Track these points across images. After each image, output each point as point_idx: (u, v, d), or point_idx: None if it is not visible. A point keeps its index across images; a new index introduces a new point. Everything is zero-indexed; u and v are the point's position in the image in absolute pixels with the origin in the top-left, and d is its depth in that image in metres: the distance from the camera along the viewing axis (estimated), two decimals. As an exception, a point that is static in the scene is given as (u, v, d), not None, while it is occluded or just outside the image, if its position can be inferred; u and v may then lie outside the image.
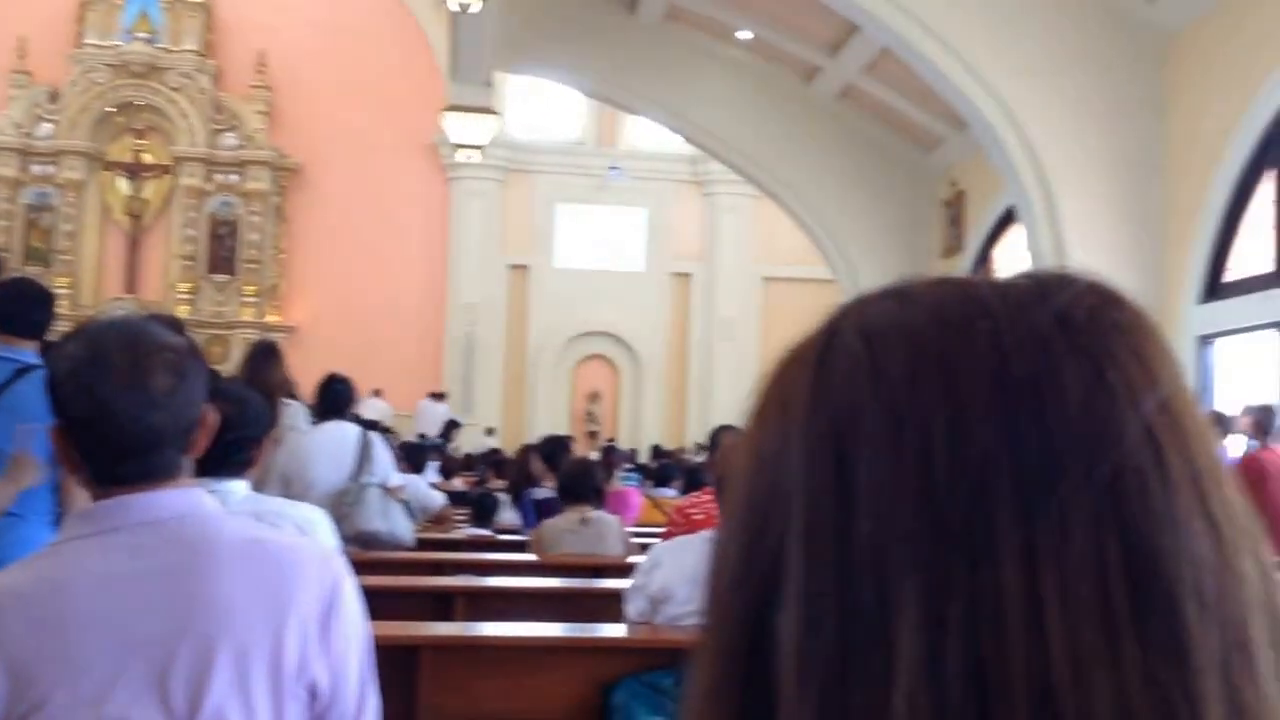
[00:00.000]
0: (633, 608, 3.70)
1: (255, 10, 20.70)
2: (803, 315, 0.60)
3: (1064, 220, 10.33)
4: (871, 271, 13.33)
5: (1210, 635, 0.47)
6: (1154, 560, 0.47)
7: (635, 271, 22.24)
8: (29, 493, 3.21)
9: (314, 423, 5.18)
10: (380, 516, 4.92)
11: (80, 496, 2.22)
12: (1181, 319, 10.18)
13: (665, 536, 4.60)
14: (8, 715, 1.46)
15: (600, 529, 5.22)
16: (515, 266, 21.90)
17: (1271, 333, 9.32)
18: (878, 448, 0.50)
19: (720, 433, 5.20)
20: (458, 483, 10.89)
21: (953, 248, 13.84)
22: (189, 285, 20.24)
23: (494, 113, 15.23)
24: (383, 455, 5.18)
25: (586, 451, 12.78)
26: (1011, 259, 12.76)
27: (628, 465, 12.44)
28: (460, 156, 16.32)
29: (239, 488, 2.46)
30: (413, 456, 9.01)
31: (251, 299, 20.52)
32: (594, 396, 21.83)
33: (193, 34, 20.54)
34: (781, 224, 16.66)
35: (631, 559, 4.87)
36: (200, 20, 20.64)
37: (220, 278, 20.53)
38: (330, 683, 1.59)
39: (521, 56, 14.43)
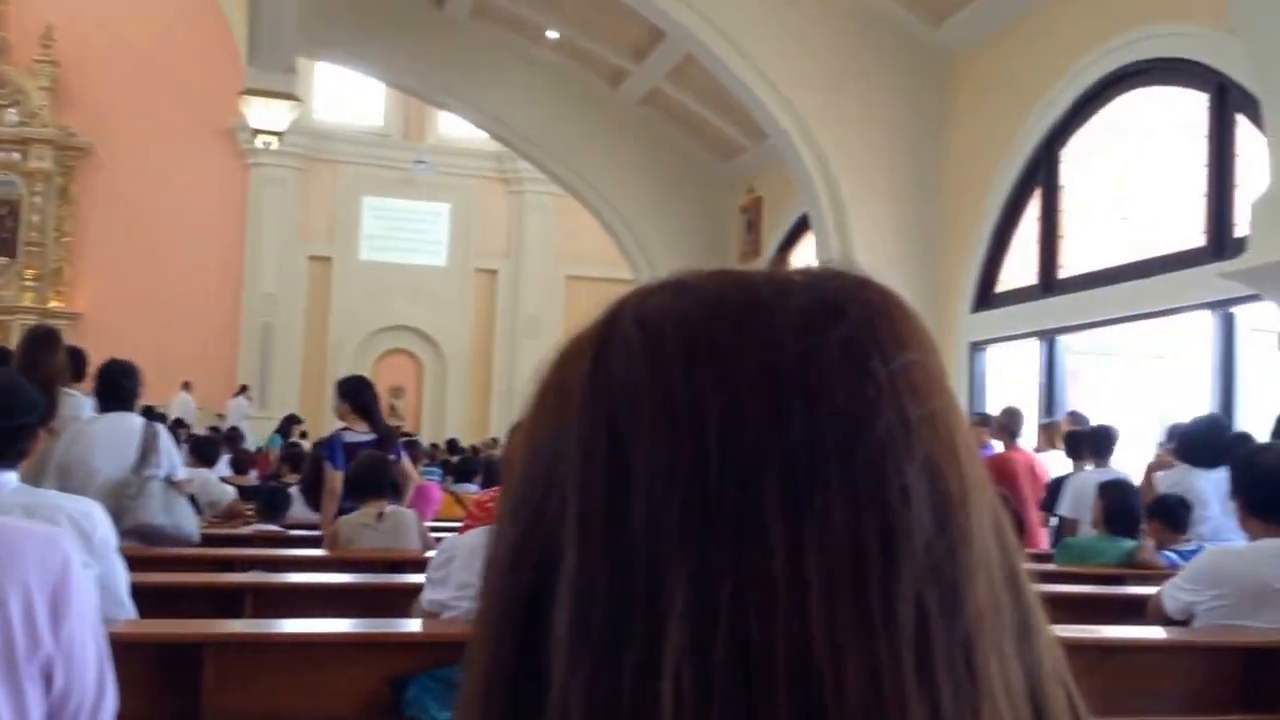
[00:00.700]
0: (426, 601, 3.72)
1: (42, -20, 19.63)
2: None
3: (852, 230, 10.81)
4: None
5: (949, 613, 0.48)
6: (904, 544, 0.48)
7: (440, 266, 22.05)
8: None
9: (99, 413, 5.00)
10: (163, 510, 4.78)
11: None
12: (956, 327, 10.79)
13: (463, 530, 4.64)
14: None
15: (397, 524, 5.21)
16: (317, 258, 21.40)
17: (1034, 341, 9.99)
18: (653, 435, 0.50)
19: (517, 428, 5.24)
20: (253, 476, 10.61)
21: (749, 252, 14.26)
22: (-37, 267, 19.10)
23: (295, 99, 14.85)
24: (168, 447, 5.04)
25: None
26: (805, 265, 13.21)
27: (428, 461, 12.36)
28: (259, 143, 15.87)
29: (10, 479, 2.39)
30: (203, 450, 8.75)
31: (32, 283, 19.44)
32: (397, 391, 21.52)
33: (-27, 3, 19.36)
34: (586, 224, 16.81)
35: (430, 554, 4.89)
36: (-20, -12, 19.47)
37: (-1, 260, 19.48)
38: (65, 667, 1.58)
39: (325, 44, 14.13)
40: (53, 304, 19.37)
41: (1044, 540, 7.16)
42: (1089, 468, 6.89)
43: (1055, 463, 7.65)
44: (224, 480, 9.15)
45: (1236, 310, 7.73)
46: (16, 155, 19.53)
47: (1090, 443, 7.13)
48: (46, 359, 4.45)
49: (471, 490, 8.35)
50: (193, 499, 5.37)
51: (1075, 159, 9.74)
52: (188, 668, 3.12)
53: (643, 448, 0.50)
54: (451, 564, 3.64)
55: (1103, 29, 8.92)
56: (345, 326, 21.28)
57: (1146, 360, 9.75)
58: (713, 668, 0.47)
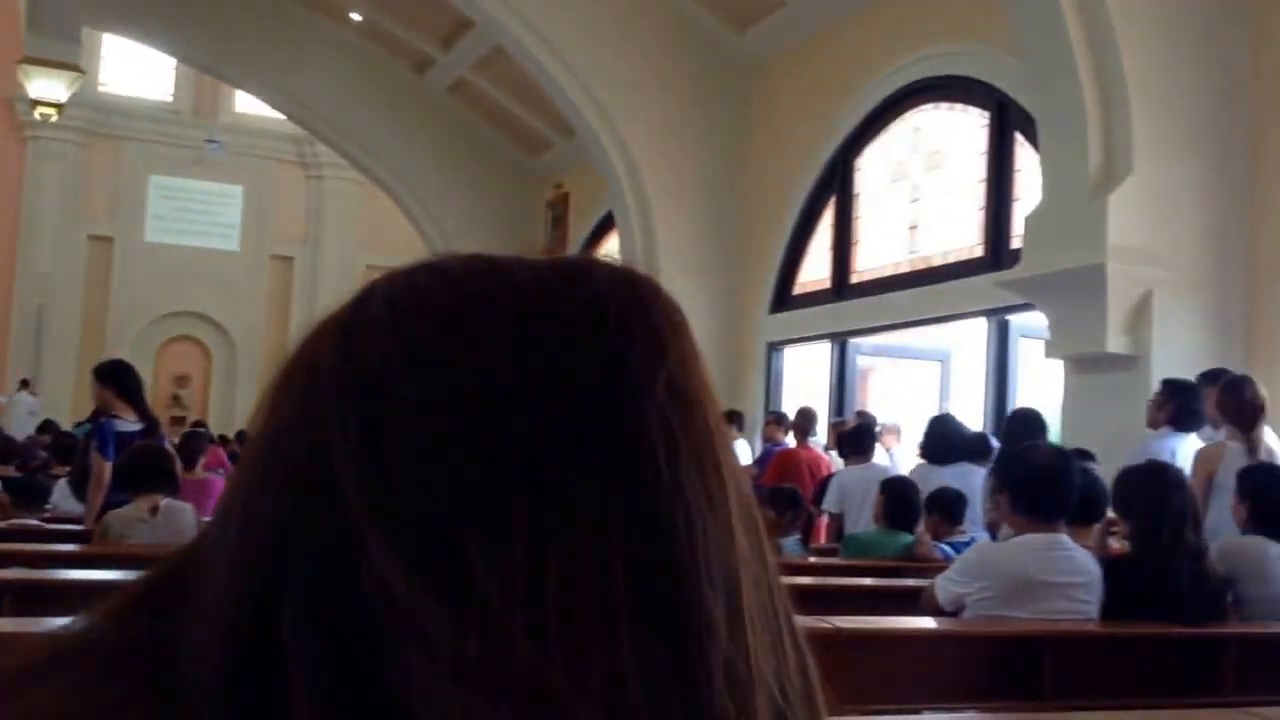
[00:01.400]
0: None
1: None
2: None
3: (657, 230, 10.94)
4: (476, 266, 13.46)
5: (707, 607, 0.48)
6: (657, 535, 0.47)
7: (232, 251, 21.23)
8: None
9: None
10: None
11: None
12: (756, 327, 11.07)
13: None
14: None
15: (172, 518, 4.97)
16: (97, 237, 20.29)
17: (826, 343, 10.32)
18: (400, 419, 0.48)
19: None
20: (12, 467, 9.94)
21: (555, 248, 14.17)
22: None
23: (78, 69, 14.02)
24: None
25: (172, 437, 12.04)
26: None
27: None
28: (38, 114, 14.92)
29: None
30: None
31: None
32: (182, 380, 20.64)
33: None
34: (389, 212, 16.49)
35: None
36: None
37: None
38: None
39: (112, 14, 13.41)
40: None
41: (824, 535, 7.39)
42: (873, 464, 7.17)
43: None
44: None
45: (1011, 317, 8.16)
46: None
47: (851, 441, 7.44)
48: None
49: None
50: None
51: (869, 168, 10.11)
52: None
53: (392, 426, 0.48)
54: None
55: (898, 45, 9.29)
56: (127, 311, 20.26)
57: (931, 363, 10.18)
58: (464, 657, 0.45)
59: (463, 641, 0.45)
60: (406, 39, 13.62)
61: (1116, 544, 4.30)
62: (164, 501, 4.95)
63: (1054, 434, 7.02)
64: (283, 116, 16.02)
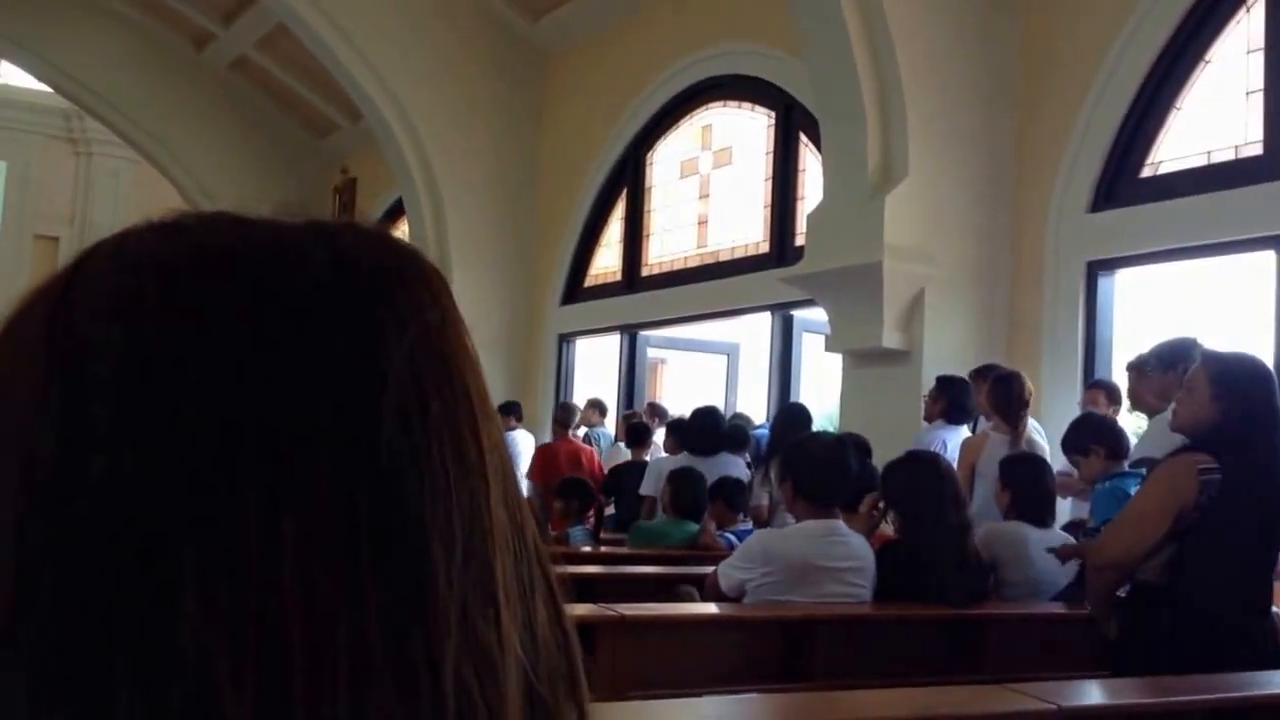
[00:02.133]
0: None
1: None
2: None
3: (448, 217, 10.79)
4: (259, 252, 12.97)
5: (455, 579, 0.46)
6: (405, 504, 0.46)
7: (-10, 230, 19.83)
8: None
9: None
10: None
11: None
12: (547, 319, 11.05)
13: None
14: None
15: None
16: None
17: (617, 335, 10.39)
18: (120, 385, 0.45)
19: None
20: None
21: (343, 234, 13.87)
22: None
23: None
24: None
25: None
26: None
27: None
28: None
29: None
30: None
31: None
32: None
33: None
34: (165, 193, 15.69)
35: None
36: None
37: None
38: None
39: None
40: None
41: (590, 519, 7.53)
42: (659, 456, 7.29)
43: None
44: None
45: (795, 312, 8.41)
46: None
47: (633, 434, 7.69)
48: None
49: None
50: None
51: (661, 163, 10.22)
52: None
53: (108, 397, 0.45)
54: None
55: (689, 41, 9.42)
56: None
57: (719, 355, 10.38)
58: (179, 630, 0.42)
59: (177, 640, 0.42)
60: (184, 13, 12.99)
61: (887, 529, 4.48)
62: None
63: (831, 425, 7.29)
64: (50, 89, 15.05)
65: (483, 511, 0.48)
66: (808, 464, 3.90)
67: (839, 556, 3.78)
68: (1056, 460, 5.13)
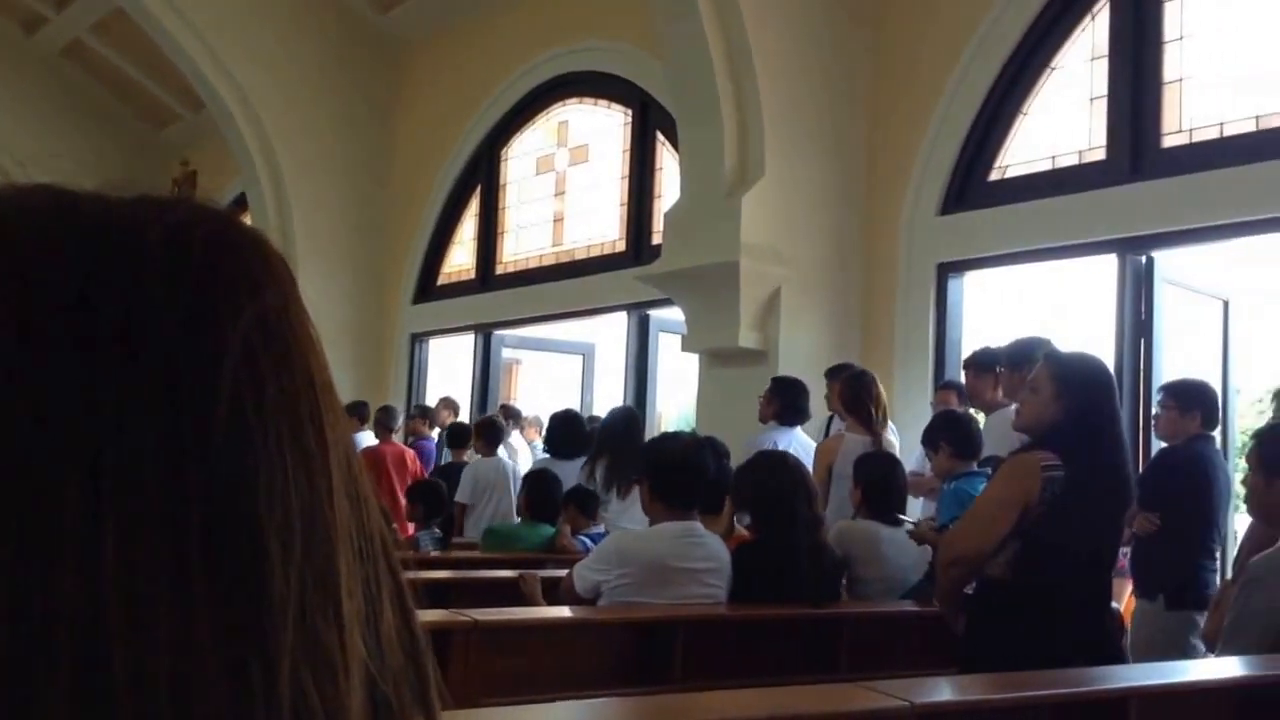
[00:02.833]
0: None
1: None
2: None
3: (293, 212, 10.47)
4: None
5: (293, 575, 0.44)
6: (239, 494, 0.44)
7: None
8: None
9: None
10: None
11: None
12: (399, 318, 10.81)
13: None
14: None
15: None
16: None
17: (471, 334, 10.22)
18: None
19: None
20: None
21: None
22: None
23: None
24: None
25: None
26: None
27: None
28: None
29: None
30: None
31: None
32: None
33: None
34: (-9, 184, 14.90)
35: None
36: None
37: None
38: None
39: None
40: None
41: (410, 529, 7.40)
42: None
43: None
44: None
45: (652, 312, 8.39)
46: None
47: (453, 436, 7.70)
48: None
49: None
50: None
51: (516, 159, 10.10)
52: None
53: None
54: None
55: (545, 36, 9.32)
56: None
57: (574, 356, 10.30)
58: None
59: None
60: (13, -8, 12.34)
61: (743, 530, 4.47)
62: None
63: (688, 426, 7.29)
64: None
65: (324, 504, 0.46)
66: (665, 465, 3.85)
67: (696, 557, 3.75)
68: (911, 460, 5.21)
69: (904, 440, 5.72)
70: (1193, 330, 5.99)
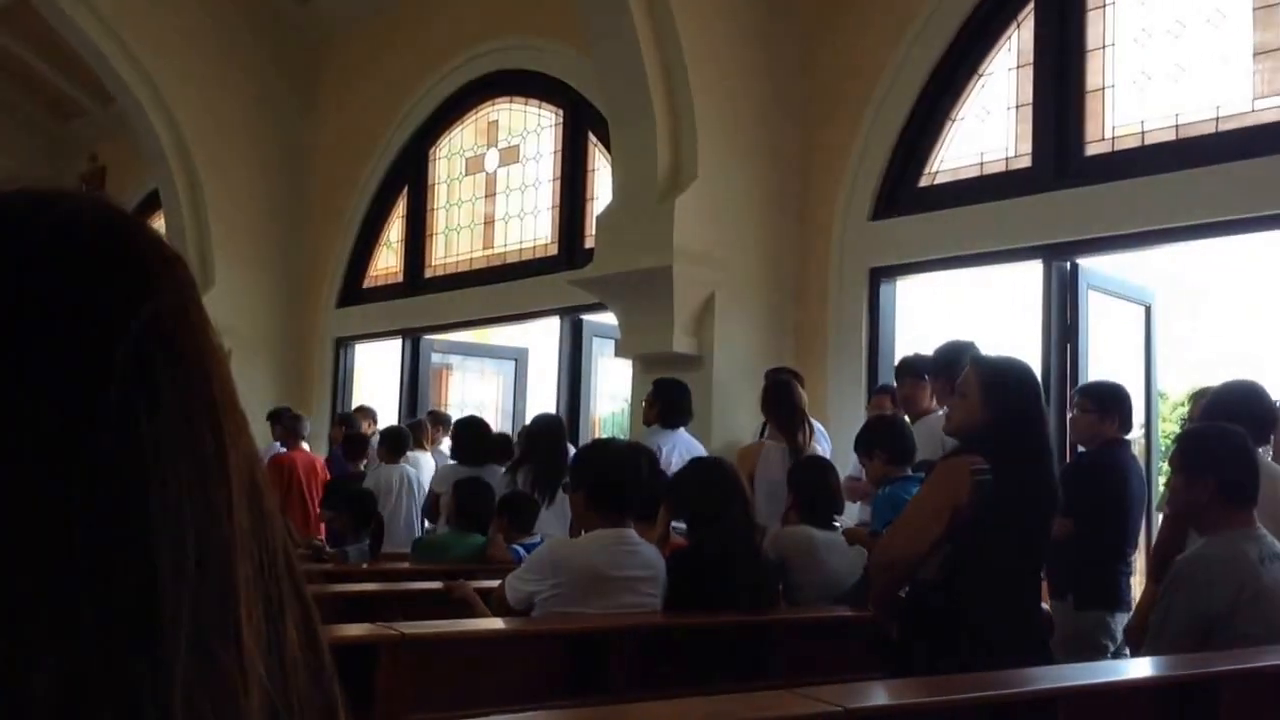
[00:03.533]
0: None
1: None
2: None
3: (207, 209, 10.21)
4: None
5: (186, 596, 0.42)
6: (126, 508, 0.41)
7: None
8: None
9: None
10: None
11: None
12: (323, 322, 10.60)
13: None
14: None
15: None
16: None
17: (397, 341, 10.05)
18: None
19: None
20: None
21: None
22: None
23: None
24: None
25: None
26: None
27: None
28: None
29: None
30: None
31: None
32: None
33: None
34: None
35: None
36: None
37: None
38: None
39: None
40: None
41: (322, 533, 7.31)
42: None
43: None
44: None
45: (586, 316, 8.33)
46: None
47: (349, 445, 7.73)
48: None
49: None
50: None
51: (444, 159, 9.97)
52: None
53: None
54: None
55: (474, 32, 9.19)
56: None
57: (506, 361, 10.20)
58: None
59: None
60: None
61: (678, 537, 4.44)
62: None
63: (623, 433, 7.25)
64: None
65: (221, 518, 0.44)
66: (598, 472, 3.81)
67: (631, 565, 3.71)
68: (846, 465, 5.22)
69: (837, 445, 5.73)
70: (1117, 335, 6.08)
